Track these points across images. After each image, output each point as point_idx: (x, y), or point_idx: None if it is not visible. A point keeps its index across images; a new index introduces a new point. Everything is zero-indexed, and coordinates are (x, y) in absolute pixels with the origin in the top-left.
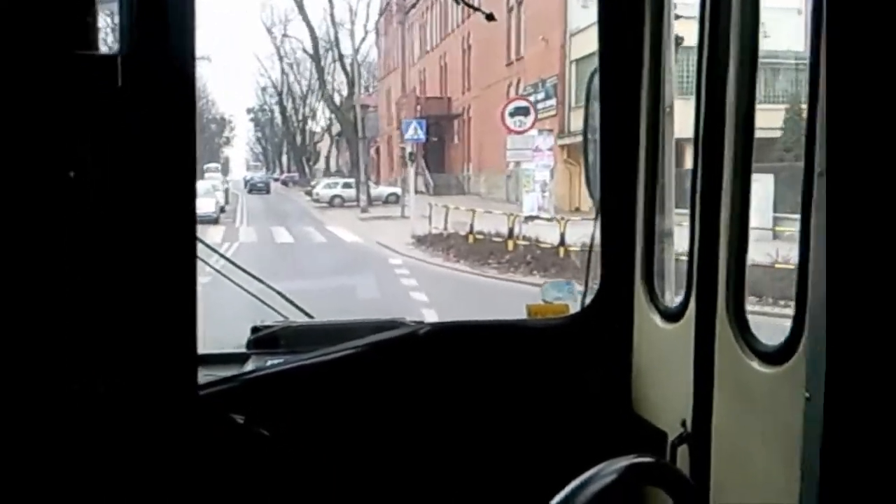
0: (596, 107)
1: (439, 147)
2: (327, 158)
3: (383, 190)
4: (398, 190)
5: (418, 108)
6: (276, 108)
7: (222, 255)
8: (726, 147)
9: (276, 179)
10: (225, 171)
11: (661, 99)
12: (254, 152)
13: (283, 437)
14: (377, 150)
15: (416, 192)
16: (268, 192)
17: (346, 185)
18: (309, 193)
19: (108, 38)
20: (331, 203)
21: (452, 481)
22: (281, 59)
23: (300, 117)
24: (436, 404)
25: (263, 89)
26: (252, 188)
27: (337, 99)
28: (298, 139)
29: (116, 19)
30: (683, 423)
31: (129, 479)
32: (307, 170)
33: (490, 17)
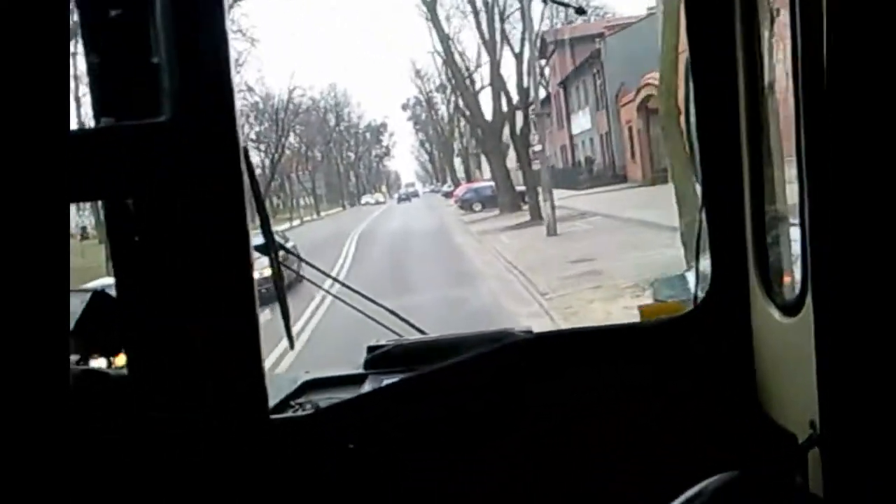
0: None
1: None
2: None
3: None
4: None
5: None
6: (436, 92)
7: (334, 279)
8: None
9: (447, 195)
10: (394, 189)
11: (760, 76)
12: (419, 162)
13: (398, 453)
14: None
15: None
16: (408, 200)
17: None
18: None
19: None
20: None
21: (571, 490)
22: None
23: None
24: (550, 412)
25: (418, 73)
26: (399, 199)
27: None
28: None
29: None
30: (812, 425)
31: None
32: (496, 175)
33: (580, 11)
